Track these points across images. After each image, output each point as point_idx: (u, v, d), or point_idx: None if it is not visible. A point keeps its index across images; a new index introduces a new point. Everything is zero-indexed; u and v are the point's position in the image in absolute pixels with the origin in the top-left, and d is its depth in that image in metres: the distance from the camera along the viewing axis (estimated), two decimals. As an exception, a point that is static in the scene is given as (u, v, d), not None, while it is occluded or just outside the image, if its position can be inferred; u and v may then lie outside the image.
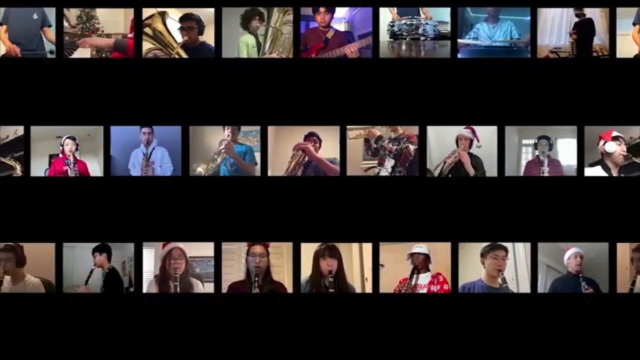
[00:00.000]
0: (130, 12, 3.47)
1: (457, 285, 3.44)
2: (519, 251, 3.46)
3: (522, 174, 3.49)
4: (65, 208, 3.45)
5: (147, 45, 3.47)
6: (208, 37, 3.46)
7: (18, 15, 3.49)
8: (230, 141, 3.50)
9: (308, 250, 3.44)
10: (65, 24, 3.48)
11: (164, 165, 3.50)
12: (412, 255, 3.44)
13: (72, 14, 3.49)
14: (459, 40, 3.46)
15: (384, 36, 3.47)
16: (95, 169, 3.49)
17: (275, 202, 3.45)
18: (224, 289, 3.45)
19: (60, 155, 3.49)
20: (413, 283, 3.44)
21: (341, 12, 3.51)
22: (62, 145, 3.48)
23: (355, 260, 3.48)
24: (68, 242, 3.46)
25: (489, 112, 3.45)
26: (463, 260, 3.45)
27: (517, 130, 3.49)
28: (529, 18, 3.45)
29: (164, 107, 3.44)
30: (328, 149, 3.49)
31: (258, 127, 3.46)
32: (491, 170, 3.47)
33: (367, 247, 3.46)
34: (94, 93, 3.44)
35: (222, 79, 3.44)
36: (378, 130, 3.51)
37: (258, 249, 3.45)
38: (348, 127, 3.46)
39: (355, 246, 3.47)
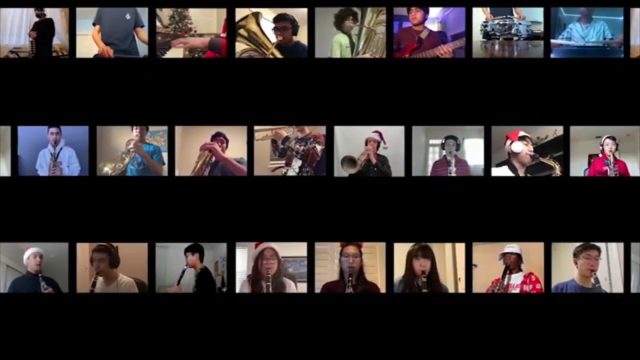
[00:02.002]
0: (223, 12, 3.47)
1: (550, 285, 3.44)
2: (612, 251, 3.46)
3: (429, 174, 3.51)
4: (158, 208, 3.45)
5: (241, 46, 3.48)
6: (302, 36, 3.46)
7: (111, 16, 3.50)
8: (138, 141, 3.50)
9: (401, 250, 3.45)
10: (158, 24, 3.48)
11: (71, 165, 3.51)
12: (504, 255, 3.44)
13: (164, 14, 3.50)
14: (552, 41, 3.46)
15: (476, 36, 3.47)
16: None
17: (368, 202, 3.45)
18: (318, 289, 3.45)
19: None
20: (505, 283, 3.44)
21: (434, 12, 3.51)
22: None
23: (448, 260, 3.48)
24: (161, 242, 3.46)
25: (396, 113, 3.44)
26: (555, 260, 3.44)
27: (424, 130, 3.50)
28: (622, 18, 3.45)
29: (258, 107, 3.46)
30: (235, 149, 3.49)
31: (165, 127, 3.46)
32: (398, 170, 3.47)
33: (460, 247, 3.46)
34: (186, 93, 3.44)
35: (315, 79, 3.44)
36: (285, 131, 3.52)
37: (351, 249, 3.45)
38: (255, 127, 3.46)
39: (448, 246, 3.47)
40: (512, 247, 3.43)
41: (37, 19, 3.48)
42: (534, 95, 3.44)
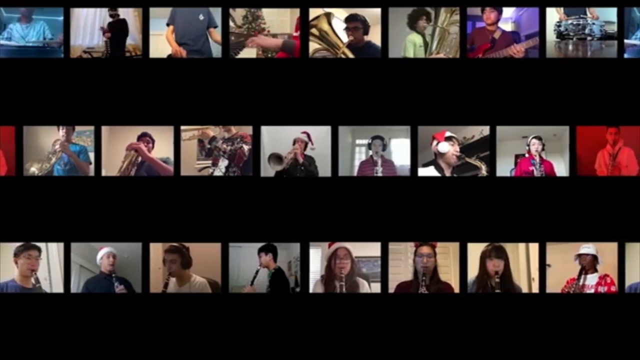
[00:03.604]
0: (296, 12, 3.47)
1: (624, 284, 3.42)
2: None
3: (355, 174, 3.50)
4: (231, 208, 3.45)
5: (313, 45, 3.48)
6: (374, 36, 3.46)
7: (184, 16, 3.51)
8: (64, 141, 3.48)
9: (475, 250, 3.44)
10: (231, 24, 3.49)
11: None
12: (579, 255, 3.43)
13: (238, 14, 3.50)
14: (626, 41, 3.45)
15: (550, 36, 3.46)
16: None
17: (441, 202, 3.45)
18: (391, 289, 3.45)
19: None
20: (581, 284, 3.43)
21: (508, 12, 3.50)
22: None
23: (522, 261, 3.47)
24: (234, 242, 3.45)
25: (323, 113, 3.44)
26: (630, 261, 3.43)
27: (350, 130, 3.50)
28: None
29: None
30: (161, 149, 3.49)
31: (92, 127, 3.45)
32: (325, 170, 3.46)
33: (534, 247, 3.45)
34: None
35: (389, 79, 3.44)
36: (212, 131, 3.52)
37: (425, 249, 3.44)
38: (182, 127, 3.46)
39: (522, 246, 3.47)
40: (587, 248, 3.42)
41: (110, 19, 3.48)
42: (459, 95, 3.43)
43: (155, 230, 3.44)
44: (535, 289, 3.45)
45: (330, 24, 3.48)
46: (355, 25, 3.48)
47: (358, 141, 3.55)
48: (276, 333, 3.43)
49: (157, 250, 3.45)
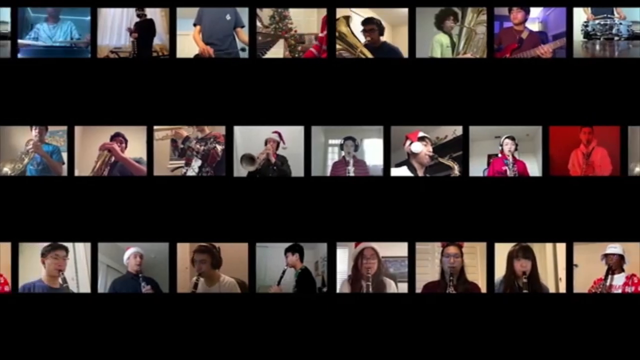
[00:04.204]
0: (322, 12, 3.47)
1: (653, 284, 3.43)
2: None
3: (328, 174, 3.50)
4: (258, 208, 3.45)
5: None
6: (401, 36, 3.46)
7: (211, 16, 3.51)
8: (37, 141, 3.48)
9: (502, 250, 3.44)
10: (258, 24, 3.48)
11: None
12: (606, 255, 3.43)
13: (265, 14, 3.50)
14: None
15: (577, 36, 3.46)
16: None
17: (470, 202, 3.45)
18: (419, 289, 3.45)
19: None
20: (608, 284, 3.43)
21: (535, 12, 3.50)
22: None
23: (549, 261, 3.47)
24: (261, 242, 3.45)
25: (296, 113, 3.44)
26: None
27: (323, 130, 3.50)
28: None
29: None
30: (135, 149, 3.49)
31: (65, 127, 3.45)
32: (298, 170, 3.46)
33: (561, 247, 3.45)
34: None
35: (416, 78, 3.44)
36: (185, 131, 3.52)
37: (452, 249, 3.45)
38: (155, 127, 3.46)
39: (549, 246, 3.47)
40: (614, 248, 3.42)
41: (137, 19, 3.49)
42: (433, 95, 3.44)
43: (183, 230, 3.44)
44: (563, 289, 3.45)
45: (349, 26, 3.48)
46: (371, 27, 3.50)
47: (331, 141, 3.55)
48: (303, 333, 3.43)
49: (184, 250, 3.45)
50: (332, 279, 3.46)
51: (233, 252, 3.45)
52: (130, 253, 3.45)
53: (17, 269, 3.43)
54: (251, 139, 3.49)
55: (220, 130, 3.47)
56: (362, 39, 3.52)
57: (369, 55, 3.50)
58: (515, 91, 3.43)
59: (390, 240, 3.45)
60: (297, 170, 3.48)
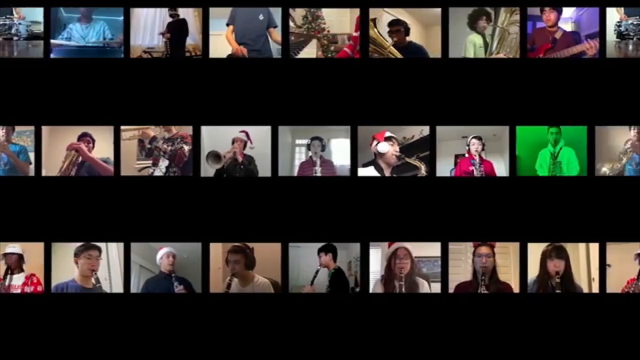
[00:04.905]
0: (355, 12, 3.47)
1: (683, 284, 3.43)
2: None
3: (295, 174, 3.51)
4: (290, 208, 3.45)
5: (363, 47, 3.50)
6: (435, 37, 3.47)
7: (244, 16, 3.50)
8: (4, 141, 3.47)
9: (535, 250, 3.44)
10: (291, 24, 3.48)
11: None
12: (639, 255, 3.43)
13: (297, 14, 3.50)
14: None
15: (610, 36, 3.46)
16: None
17: (503, 202, 3.45)
18: (451, 289, 3.45)
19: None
20: (640, 283, 3.44)
21: (568, 12, 3.50)
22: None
23: (582, 261, 3.47)
24: (293, 242, 3.46)
25: (263, 113, 3.44)
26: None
27: (290, 130, 3.50)
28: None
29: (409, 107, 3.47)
30: (102, 149, 3.48)
31: (32, 127, 3.45)
32: (265, 170, 3.47)
33: (594, 247, 3.45)
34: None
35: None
36: (152, 131, 3.52)
37: (484, 249, 3.45)
38: (122, 127, 3.46)
39: (582, 246, 3.47)
40: (645, 247, 3.43)
41: (170, 19, 3.48)
42: (400, 95, 3.44)
43: (215, 230, 3.45)
44: (596, 289, 3.45)
45: (375, 27, 3.48)
46: (398, 28, 3.50)
47: (298, 141, 3.56)
48: (336, 333, 3.43)
49: (217, 250, 3.45)
50: (365, 279, 3.46)
51: (267, 253, 3.45)
52: (162, 253, 3.45)
53: (50, 269, 3.43)
54: (218, 139, 3.49)
55: (188, 130, 3.47)
56: (389, 39, 3.52)
57: (398, 55, 3.50)
58: (482, 91, 3.43)
59: (423, 241, 3.45)
60: (264, 170, 3.47)
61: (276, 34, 3.49)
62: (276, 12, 3.48)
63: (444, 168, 3.49)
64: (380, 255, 3.48)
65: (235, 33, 3.50)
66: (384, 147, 3.44)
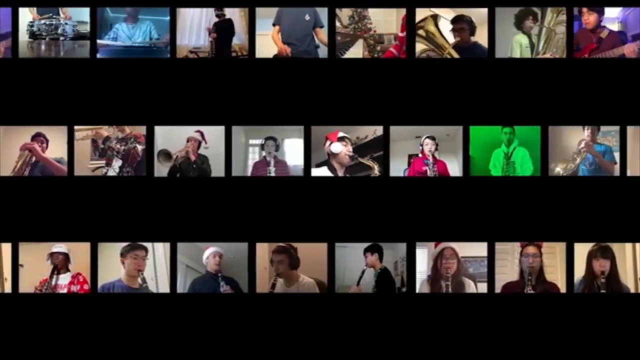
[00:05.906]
0: (402, 12, 3.47)
1: None
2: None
3: (249, 174, 3.51)
4: (337, 208, 3.45)
5: (420, 46, 3.48)
6: (481, 37, 3.46)
7: (291, 17, 3.50)
8: None
9: (581, 250, 3.44)
10: (338, 24, 3.48)
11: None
12: (687, 254, 3.44)
13: (344, 14, 3.50)
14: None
15: (654, 37, 3.47)
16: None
17: (550, 202, 3.45)
18: (498, 289, 3.45)
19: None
20: (686, 282, 3.44)
21: (614, 12, 3.50)
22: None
23: (629, 260, 3.47)
24: (339, 242, 3.46)
25: (217, 112, 3.44)
26: None
27: (244, 130, 3.51)
28: None
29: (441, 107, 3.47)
30: (55, 149, 3.47)
31: None
32: (218, 170, 3.46)
33: (640, 247, 3.46)
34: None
35: (496, 79, 3.45)
36: (105, 131, 3.51)
37: (531, 249, 3.44)
38: (75, 127, 3.45)
39: (628, 246, 3.47)
40: (692, 246, 3.43)
41: (216, 19, 3.48)
42: (355, 95, 3.44)
43: (261, 230, 3.45)
44: (641, 289, 3.46)
45: (437, 25, 3.48)
46: (462, 26, 3.48)
47: (251, 141, 3.56)
48: (383, 333, 3.43)
49: (263, 250, 3.45)
50: (412, 279, 3.46)
51: (311, 253, 3.45)
52: (209, 253, 3.45)
53: (96, 269, 3.43)
54: (172, 139, 3.49)
55: (141, 130, 3.47)
56: (452, 38, 3.51)
57: (456, 56, 3.49)
58: (436, 91, 3.43)
59: (470, 240, 3.45)
60: (217, 169, 3.47)
61: (322, 34, 3.49)
62: (322, 12, 3.48)
63: (397, 168, 3.50)
64: (427, 255, 3.48)
65: (282, 33, 3.50)
66: (337, 147, 3.43)
